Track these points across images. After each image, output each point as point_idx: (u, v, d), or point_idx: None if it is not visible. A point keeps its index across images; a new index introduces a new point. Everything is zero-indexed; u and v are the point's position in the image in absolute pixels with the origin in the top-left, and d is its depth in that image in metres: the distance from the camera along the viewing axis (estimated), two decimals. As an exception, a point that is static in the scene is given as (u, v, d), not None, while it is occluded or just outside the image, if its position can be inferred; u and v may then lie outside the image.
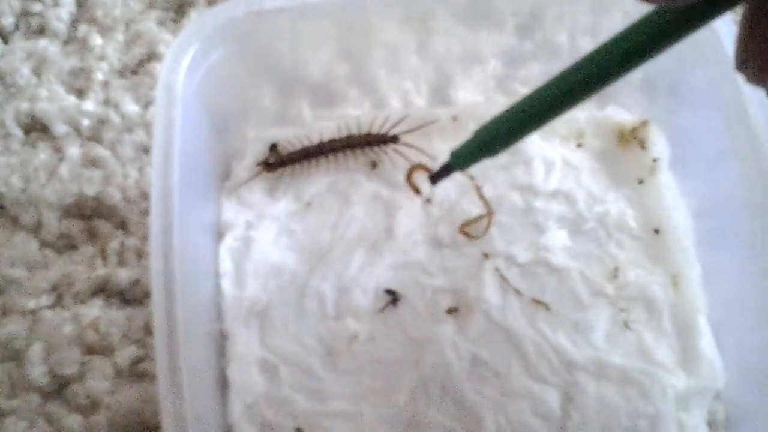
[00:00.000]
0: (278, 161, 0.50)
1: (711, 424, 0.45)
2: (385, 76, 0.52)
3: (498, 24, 0.50)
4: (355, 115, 0.52)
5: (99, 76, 0.57)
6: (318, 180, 0.51)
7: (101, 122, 0.55)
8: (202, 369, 0.43)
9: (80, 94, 0.57)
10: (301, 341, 0.46)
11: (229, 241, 0.48)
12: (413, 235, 0.49)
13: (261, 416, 0.44)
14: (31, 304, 0.49)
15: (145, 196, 0.52)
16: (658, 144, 0.51)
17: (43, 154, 0.54)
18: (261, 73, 0.50)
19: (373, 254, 0.48)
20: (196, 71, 0.45)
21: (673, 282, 0.47)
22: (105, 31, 0.59)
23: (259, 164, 0.51)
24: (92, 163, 0.54)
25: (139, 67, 0.58)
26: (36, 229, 0.52)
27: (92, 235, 0.52)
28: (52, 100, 0.56)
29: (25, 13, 0.60)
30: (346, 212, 0.50)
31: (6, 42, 0.59)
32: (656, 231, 0.49)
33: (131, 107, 0.56)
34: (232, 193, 0.50)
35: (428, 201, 0.50)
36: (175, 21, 0.60)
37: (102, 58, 0.58)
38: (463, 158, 0.38)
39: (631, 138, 0.51)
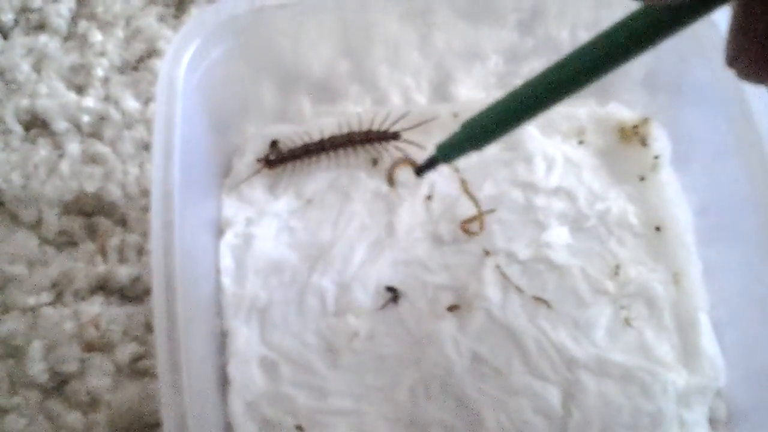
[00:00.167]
0: (279, 158, 0.50)
1: (712, 421, 0.45)
2: (386, 73, 0.52)
3: (499, 20, 0.50)
4: (355, 111, 0.52)
5: (99, 73, 0.57)
6: (318, 177, 0.51)
7: (101, 119, 0.55)
8: (203, 366, 0.42)
9: (80, 90, 0.57)
10: (302, 338, 0.46)
11: (229, 238, 0.48)
12: (414, 232, 0.49)
13: (261, 413, 0.44)
14: (31, 301, 0.49)
15: (145, 192, 0.52)
16: (660, 141, 0.51)
17: (43, 151, 0.54)
18: (262, 70, 0.50)
19: (374, 251, 0.48)
20: (197, 68, 0.45)
21: (675, 279, 0.47)
22: (105, 27, 0.59)
23: (259, 161, 0.50)
24: (92, 159, 0.54)
25: (139, 64, 0.58)
26: (36, 226, 0.52)
27: (92, 232, 0.52)
28: (52, 96, 0.56)
29: (24, 9, 0.60)
30: (346, 209, 0.50)
31: (6, 38, 0.59)
32: (657, 228, 0.49)
33: (131, 104, 0.56)
34: (233, 190, 0.50)
35: (429, 198, 0.50)
36: (176, 17, 0.60)
37: (102, 54, 0.58)
38: (449, 151, 0.38)
39: (632, 135, 0.51)
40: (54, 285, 0.50)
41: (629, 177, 0.51)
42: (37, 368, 0.47)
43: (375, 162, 0.51)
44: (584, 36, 0.49)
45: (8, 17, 0.59)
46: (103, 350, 0.48)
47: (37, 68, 0.57)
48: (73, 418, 0.46)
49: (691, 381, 0.44)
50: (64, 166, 0.53)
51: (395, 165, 0.50)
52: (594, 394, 0.44)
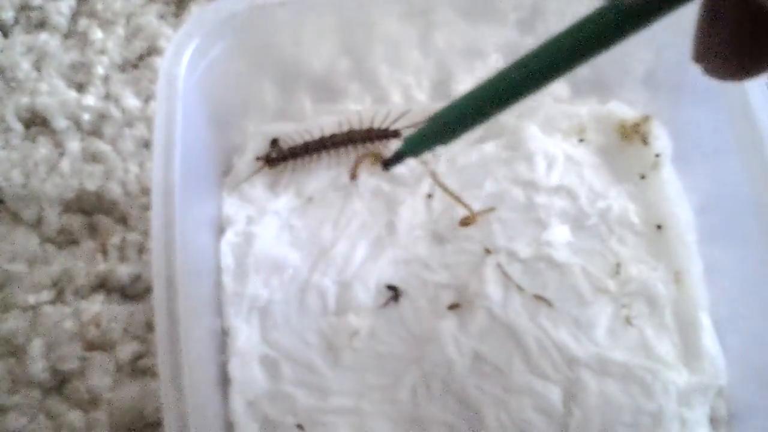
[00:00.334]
0: (279, 156, 0.50)
1: (713, 420, 0.45)
2: (387, 71, 0.52)
3: (499, 18, 0.50)
4: (356, 109, 0.52)
5: (99, 71, 0.57)
6: (319, 175, 0.51)
7: (102, 117, 0.55)
8: (203, 365, 0.42)
9: (81, 88, 0.57)
10: (303, 337, 0.46)
11: (230, 237, 0.48)
12: (415, 230, 0.49)
13: (262, 412, 0.44)
14: (32, 299, 0.49)
15: (145, 191, 0.52)
16: (661, 139, 0.51)
17: (43, 149, 0.54)
18: (262, 68, 0.50)
19: (375, 250, 0.48)
20: (197, 65, 0.45)
21: (676, 278, 0.47)
22: (105, 24, 0.59)
23: (260, 159, 0.50)
24: (93, 157, 0.54)
25: (139, 61, 0.58)
26: (36, 224, 0.52)
27: (93, 231, 0.52)
28: (53, 94, 0.55)
29: (25, 7, 0.60)
30: (347, 207, 0.50)
31: (6, 36, 0.59)
32: (658, 227, 0.49)
33: (132, 101, 0.56)
34: (234, 189, 0.50)
35: (430, 196, 0.49)
36: (176, 15, 0.60)
37: (102, 52, 0.58)
38: (416, 145, 0.39)
39: (633, 133, 0.51)
40: (54, 283, 0.50)
41: (630, 175, 0.51)
42: (37, 367, 0.47)
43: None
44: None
45: (8, 15, 0.59)
46: (104, 349, 0.48)
47: (37, 66, 0.57)
48: (74, 416, 0.46)
49: (691, 380, 0.44)
50: (65, 165, 0.53)
51: (360, 160, 0.50)
52: (595, 393, 0.44)
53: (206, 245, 0.47)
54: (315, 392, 0.44)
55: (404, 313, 0.46)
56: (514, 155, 0.51)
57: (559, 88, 0.53)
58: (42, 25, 0.59)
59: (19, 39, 0.58)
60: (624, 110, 0.52)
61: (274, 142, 0.51)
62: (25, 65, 0.57)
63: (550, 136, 0.51)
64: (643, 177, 0.50)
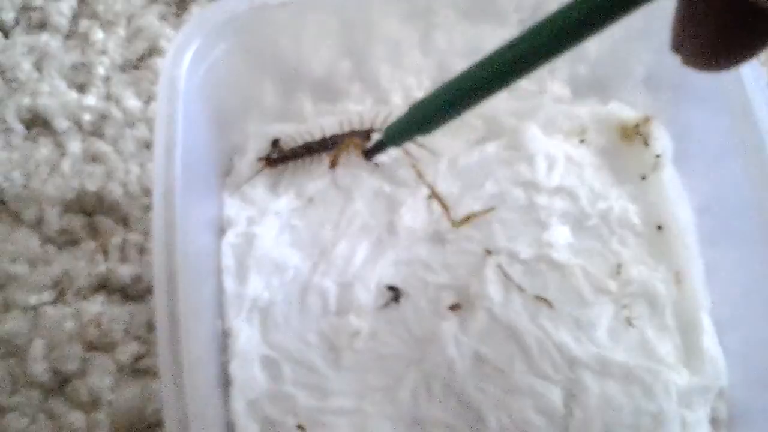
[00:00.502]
0: (280, 157, 0.50)
1: (714, 421, 0.45)
2: (388, 72, 0.52)
3: (500, 19, 0.50)
4: (357, 110, 0.52)
5: (100, 71, 0.57)
6: (320, 176, 0.51)
7: (103, 117, 0.55)
8: (204, 365, 0.42)
9: (81, 89, 0.57)
10: (303, 338, 0.46)
11: (230, 237, 0.48)
12: (415, 231, 0.49)
13: (263, 413, 0.44)
14: (32, 300, 0.49)
15: (146, 191, 0.52)
16: (661, 140, 0.51)
17: (44, 150, 0.54)
18: (263, 69, 0.50)
19: (376, 250, 0.48)
20: (198, 66, 0.45)
21: (676, 279, 0.47)
22: (106, 25, 0.59)
23: (260, 160, 0.50)
24: (94, 158, 0.54)
25: (140, 62, 0.58)
26: (37, 224, 0.52)
27: (94, 231, 0.52)
28: (54, 95, 0.55)
29: (25, 8, 0.60)
30: (348, 208, 0.49)
31: (7, 37, 0.59)
32: (659, 227, 0.49)
33: (133, 102, 0.56)
34: (234, 189, 0.50)
35: (430, 197, 0.49)
36: (177, 15, 0.60)
37: (103, 52, 0.58)
38: (396, 135, 0.39)
39: (634, 134, 0.51)
40: (55, 284, 0.50)
41: (631, 176, 0.51)
42: (38, 367, 0.47)
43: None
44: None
45: (9, 16, 0.59)
46: (105, 349, 0.48)
47: (38, 67, 0.57)
48: (75, 417, 0.46)
49: (692, 381, 0.44)
50: (66, 165, 0.53)
51: (341, 149, 0.50)
52: (595, 394, 0.44)
53: (207, 246, 0.47)
54: (316, 393, 0.44)
55: (405, 313, 0.46)
56: (515, 156, 0.51)
57: (559, 88, 0.53)
58: (43, 25, 0.59)
59: (20, 39, 0.58)
60: (625, 111, 0.52)
61: (275, 143, 0.51)
62: (26, 66, 0.57)
63: (551, 136, 0.51)
64: (643, 178, 0.50)
